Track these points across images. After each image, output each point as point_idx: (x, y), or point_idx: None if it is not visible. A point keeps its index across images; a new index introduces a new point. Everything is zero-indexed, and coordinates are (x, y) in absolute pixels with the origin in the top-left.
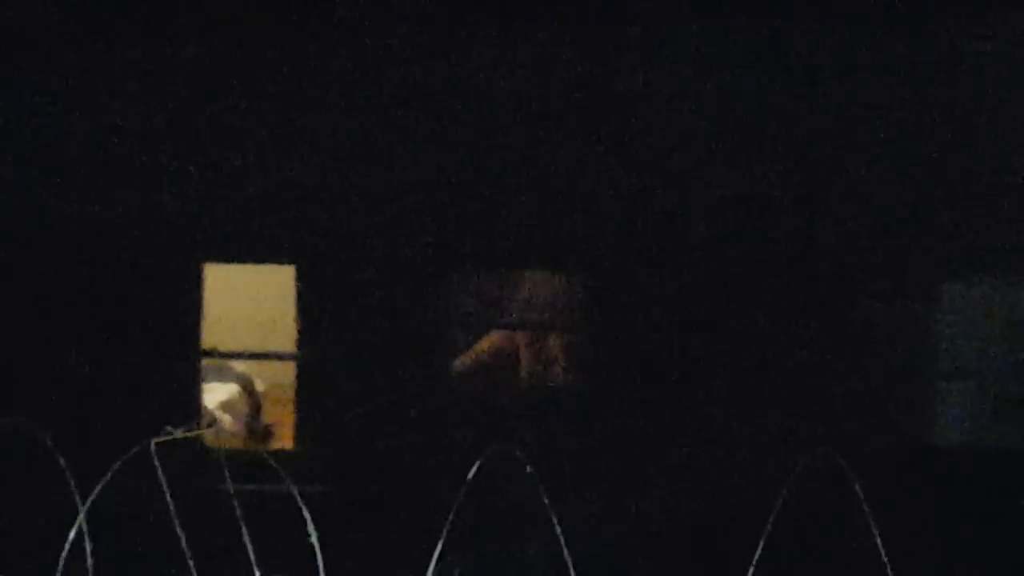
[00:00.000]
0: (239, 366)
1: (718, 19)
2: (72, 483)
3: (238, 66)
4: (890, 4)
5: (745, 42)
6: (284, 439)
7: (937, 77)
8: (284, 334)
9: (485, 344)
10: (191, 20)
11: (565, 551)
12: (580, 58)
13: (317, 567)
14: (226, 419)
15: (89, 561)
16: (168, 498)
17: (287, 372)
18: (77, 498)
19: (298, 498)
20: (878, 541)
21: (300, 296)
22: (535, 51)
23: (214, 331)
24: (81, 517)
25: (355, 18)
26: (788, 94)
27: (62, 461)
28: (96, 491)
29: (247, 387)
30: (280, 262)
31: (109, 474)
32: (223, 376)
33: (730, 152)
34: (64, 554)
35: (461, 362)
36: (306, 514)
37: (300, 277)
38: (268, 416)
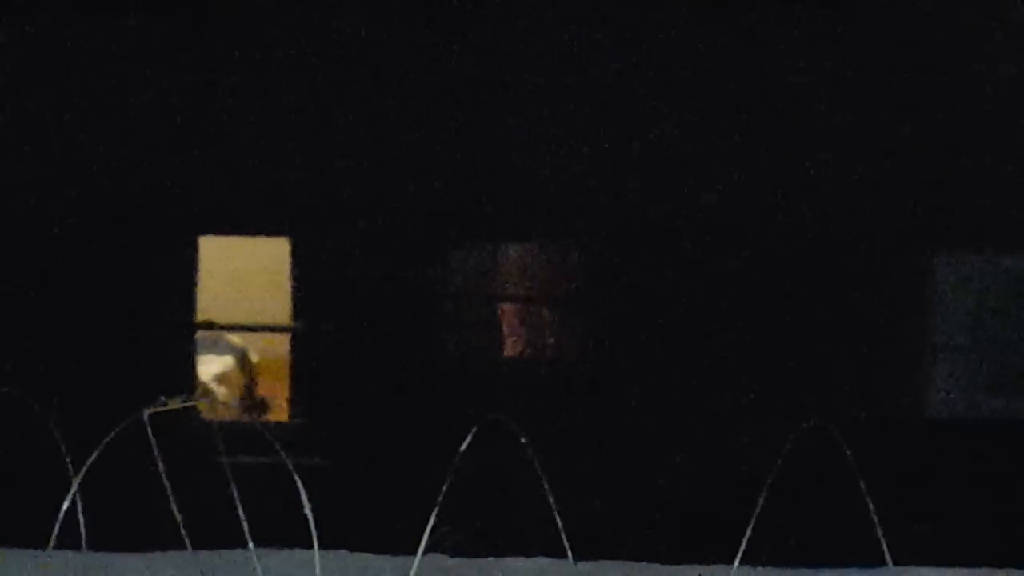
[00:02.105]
0: (234, 338)
1: (717, 12)
2: (66, 453)
3: (234, 41)
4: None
5: (745, 31)
6: (278, 411)
7: (930, 60)
8: (279, 307)
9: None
10: None
11: (558, 520)
12: (579, 41)
13: (311, 538)
14: (220, 391)
15: (83, 530)
16: (161, 469)
17: (282, 344)
18: (71, 468)
19: (292, 470)
20: (872, 512)
21: (295, 269)
22: (535, 31)
23: (209, 304)
24: (75, 487)
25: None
26: (775, 79)
27: (57, 432)
28: (90, 461)
29: (242, 359)
30: (275, 235)
31: (103, 444)
32: (218, 348)
33: (728, 131)
34: (58, 523)
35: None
36: (300, 486)
37: (295, 250)
38: (262, 388)
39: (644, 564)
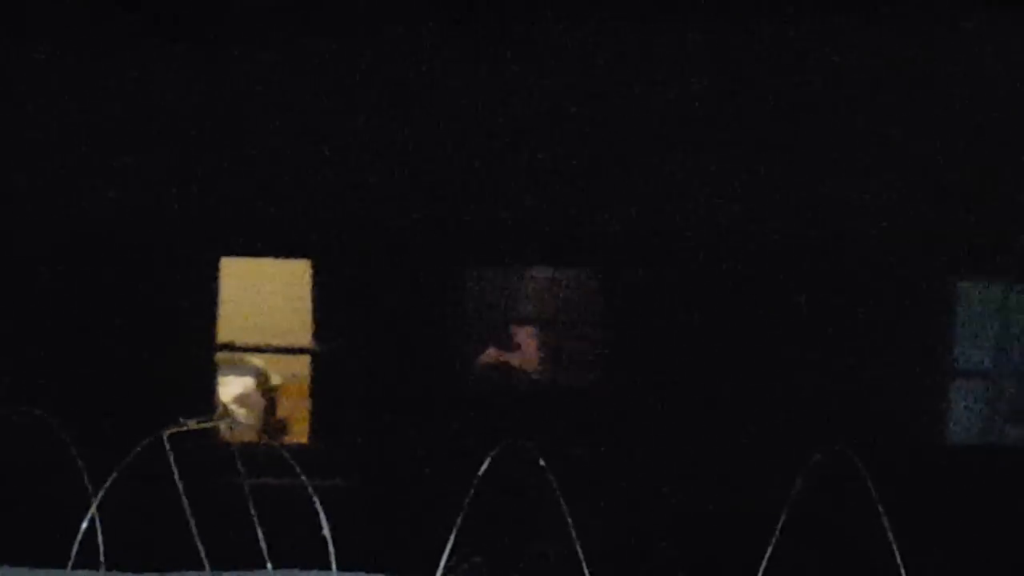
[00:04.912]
0: (255, 360)
1: (719, 20)
2: (85, 474)
3: (255, 60)
4: (893, 3)
5: (745, 41)
6: (298, 433)
7: (948, 74)
8: (300, 328)
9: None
10: (205, 15)
11: (577, 546)
12: (584, 54)
13: (330, 561)
14: (241, 412)
15: (101, 552)
16: (181, 490)
17: (302, 366)
18: (90, 489)
19: (311, 492)
20: (891, 540)
21: (316, 290)
22: (542, 48)
23: (230, 325)
24: (93, 508)
25: (369, 14)
26: (792, 92)
27: (76, 452)
28: (109, 482)
29: (262, 381)
30: (296, 256)
31: (122, 465)
32: (238, 370)
33: (735, 150)
34: (76, 543)
35: (478, 358)
36: (319, 508)
37: (316, 271)
38: (283, 410)
39: None
